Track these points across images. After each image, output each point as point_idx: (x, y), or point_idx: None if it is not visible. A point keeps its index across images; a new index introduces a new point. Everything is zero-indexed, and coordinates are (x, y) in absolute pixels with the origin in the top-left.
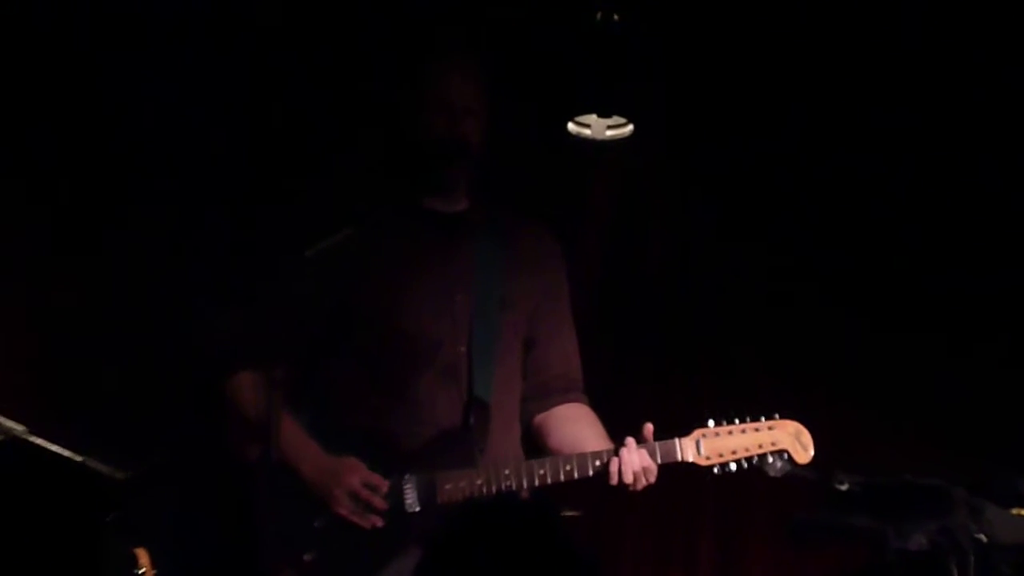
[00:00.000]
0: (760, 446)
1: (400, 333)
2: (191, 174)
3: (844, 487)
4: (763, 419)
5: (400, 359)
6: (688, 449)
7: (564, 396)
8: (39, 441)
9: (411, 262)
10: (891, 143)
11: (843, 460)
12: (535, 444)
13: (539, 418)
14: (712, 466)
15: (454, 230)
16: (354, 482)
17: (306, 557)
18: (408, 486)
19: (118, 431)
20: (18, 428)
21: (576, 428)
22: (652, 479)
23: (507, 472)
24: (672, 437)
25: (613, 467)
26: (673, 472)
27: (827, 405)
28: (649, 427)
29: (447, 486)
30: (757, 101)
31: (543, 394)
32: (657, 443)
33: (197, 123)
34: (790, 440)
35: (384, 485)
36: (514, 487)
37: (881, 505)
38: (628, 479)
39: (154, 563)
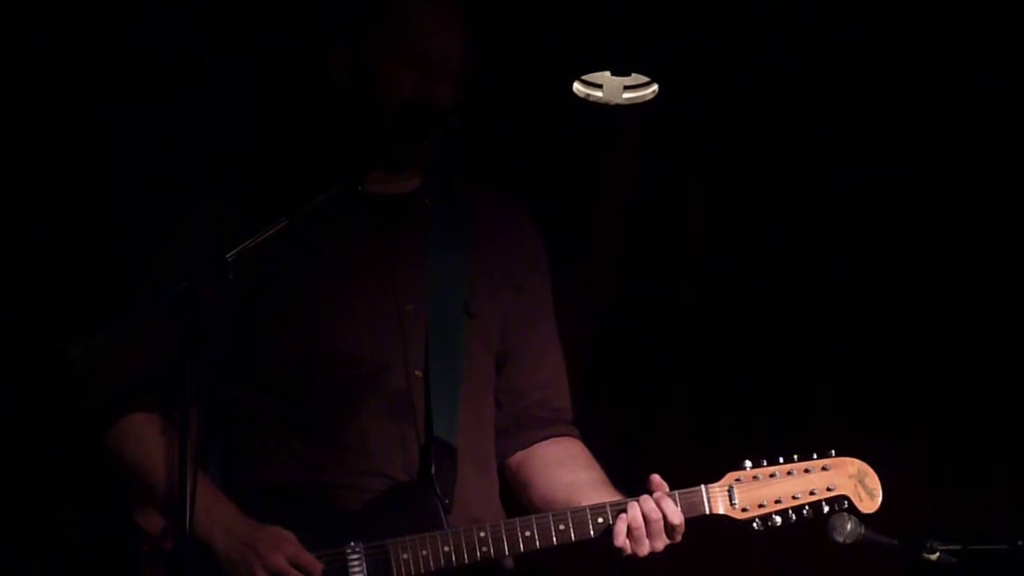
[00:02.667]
0: (812, 492)
1: (330, 356)
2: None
3: (935, 557)
4: (815, 456)
5: (332, 391)
6: (718, 499)
7: (547, 430)
8: None
9: (344, 262)
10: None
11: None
12: (513, 493)
13: (516, 458)
14: (750, 520)
15: (401, 217)
16: (279, 560)
17: None
18: (354, 559)
19: None
20: None
21: (566, 472)
22: (677, 537)
23: (482, 535)
24: (696, 485)
25: (620, 525)
26: (709, 525)
27: (916, 451)
28: (656, 478)
29: (404, 556)
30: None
31: (519, 426)
32: (677, 493)
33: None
34: (850, 484)
35: (318, 568)
36: (492, 555)
37: None
38: (642, 540)
39: None
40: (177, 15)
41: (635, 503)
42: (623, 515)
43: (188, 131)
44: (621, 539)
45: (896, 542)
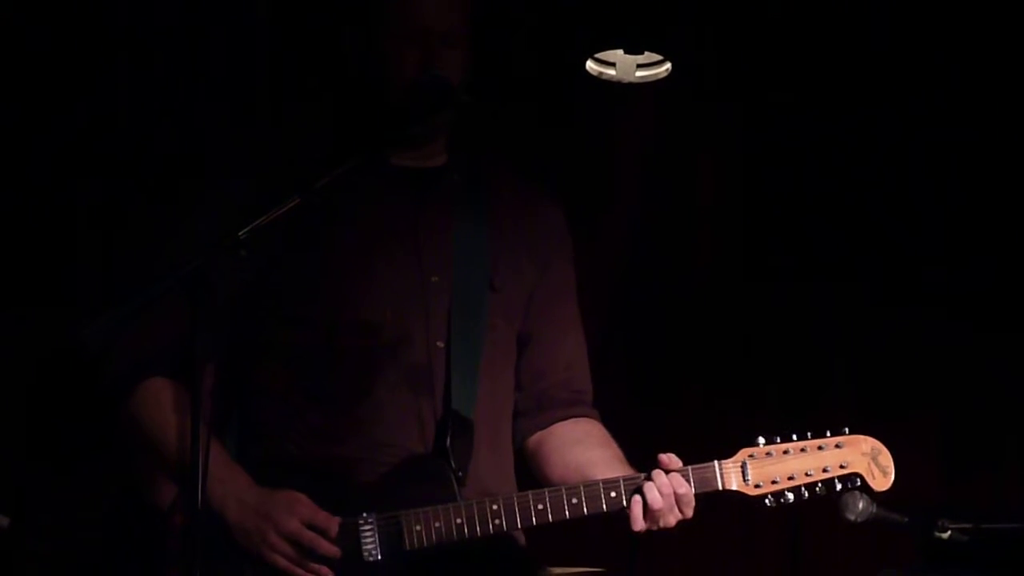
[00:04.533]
0: (825, 469)
1: (351, 325)
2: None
3: (947, 535)
4: (828, 434)
5: (351, 361)
6: (731, 475)
7: (567, 410)
8: None
9: (370, 233)
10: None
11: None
12: (531, 473)
13: (535, 439)
14: (763, 496)
15: (428, 191)
16: (293, 524)
17: None
18: (367, 528)
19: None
20: None
21: (583, 451)
22: (688, 511)
23: (495, 508)
24: (710, 460)
25: (635, 501)
26: (720, 506)
27: (927, 429)
28: (670, 456)
29: (417, 527)
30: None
31: (539, 407)
32: (690, 468)
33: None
34: (864, 462)
35: (334, 525)
36: (504, 527)
37: (996, 560)
38: (656, 513)
39: None
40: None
41: (651, 483)
42: (637, 497)
43: (203, 109)
44: (639, 523)
45: (907, 520)
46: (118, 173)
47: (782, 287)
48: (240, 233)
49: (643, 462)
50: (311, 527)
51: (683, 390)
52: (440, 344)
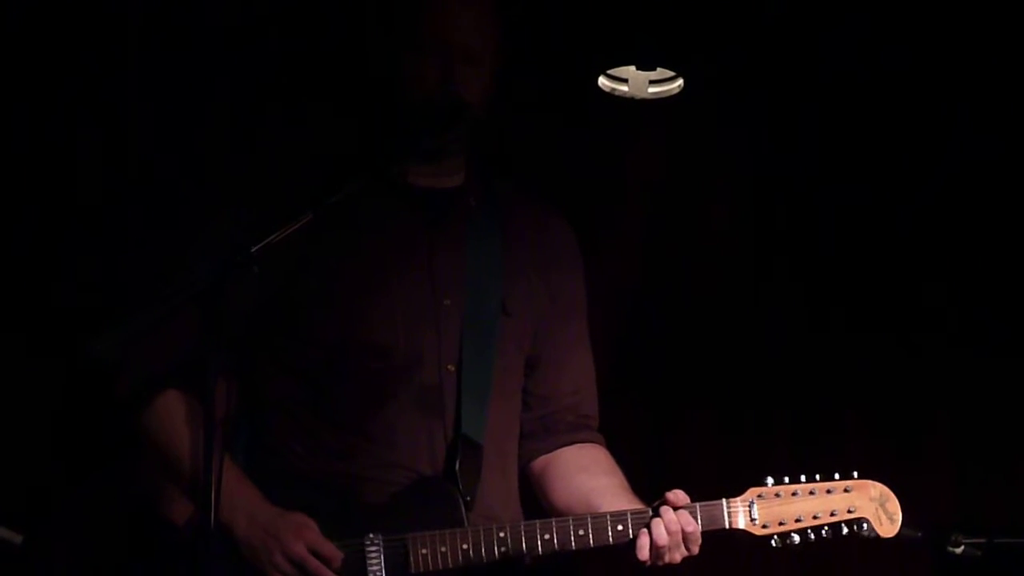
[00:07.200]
0: (832, 513)
1: (364, 345)
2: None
3: (961, 550)
4: (837, 477)
5: (363, 380)
6: (738, 514)
7: (573, 435)
8: None
9: (384, 253)
10: None
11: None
12: (534, 494)
13: (540, 462)
14: (769, 536)
15: (443, 212)
16: (299, 547)
17: None
18: (372, 550)
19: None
20: None
21: (589, 478)
22: (695, 548)
23: (502, 535)
24: (718, 498)
25: (642, 535)
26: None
27: (939, 444)
28: (676, 493)
29: (423, 551)
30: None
31: (545, 430)
32: (698, 505)
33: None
34: (872, 507)
35: (338, 557)
36: (510, 554)
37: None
38: (662, 550)
39: None
40: (205, 13)
41: (658, 520)
42: (644, 532)
43: (216, 121)
44: (644, 553)
45: (921, 535)
46: (127, 185)
47: (792, 311)
48: (253, 249)
49: (651, 490)
50: (316, 555)
51: (692, 416)
52: (451, 367)
